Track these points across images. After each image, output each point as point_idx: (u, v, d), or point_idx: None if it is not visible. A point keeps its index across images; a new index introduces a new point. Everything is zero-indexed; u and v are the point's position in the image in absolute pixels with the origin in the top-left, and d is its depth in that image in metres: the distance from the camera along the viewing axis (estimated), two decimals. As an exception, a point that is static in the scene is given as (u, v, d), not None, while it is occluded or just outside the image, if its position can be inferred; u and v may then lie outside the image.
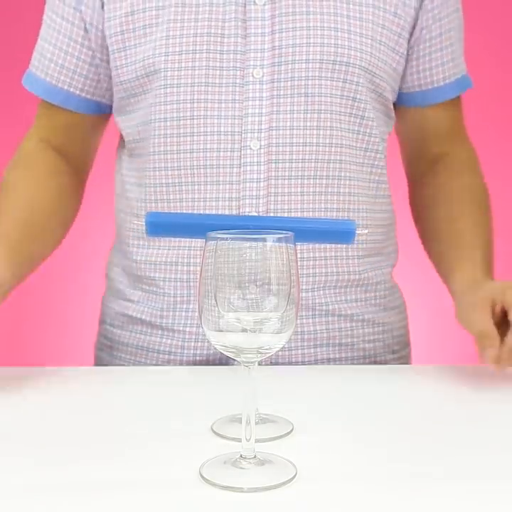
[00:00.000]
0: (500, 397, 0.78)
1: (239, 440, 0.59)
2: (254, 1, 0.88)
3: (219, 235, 0.54)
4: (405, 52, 0.95)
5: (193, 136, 0.89)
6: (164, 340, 0.93)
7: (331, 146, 0.89)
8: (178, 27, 0.88)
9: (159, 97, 0.89)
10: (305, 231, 0.67)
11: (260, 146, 0.87)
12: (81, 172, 1.02)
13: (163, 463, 0.60)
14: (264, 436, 0.65)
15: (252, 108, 0.87)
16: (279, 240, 0.55)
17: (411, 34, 0.95)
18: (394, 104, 0.98)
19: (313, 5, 0.88)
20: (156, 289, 0.93)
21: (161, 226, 0.67)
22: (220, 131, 0.88)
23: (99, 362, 1.02)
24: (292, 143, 0.88)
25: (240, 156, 0.88)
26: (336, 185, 0.90)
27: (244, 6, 0.88)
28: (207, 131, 0.88)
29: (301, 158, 0.88)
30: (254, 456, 0.58)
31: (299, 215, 0.89)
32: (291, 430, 0.67)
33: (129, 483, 0.56)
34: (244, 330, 0.54)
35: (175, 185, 0.91)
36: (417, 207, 1.05)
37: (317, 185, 0.89)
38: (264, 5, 0.88)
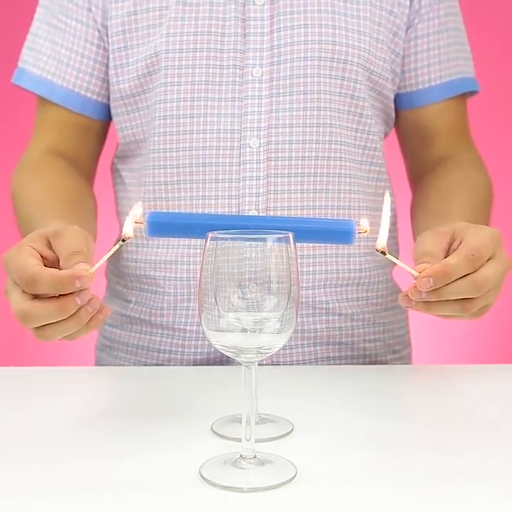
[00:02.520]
0: (501, 397, 0.78)
1: (239, 440, 0.59)
2: (254, 1, 0.88)
3: (219, 235, 0.54)
4: (401, 53, 0.95)
5: (193, 134, 0.89)
6: (164, 339, 0.93)
7: (331, 144, 0.90)
8: (178, 25, 0.89)
9: (160, 95, 0.89)
10: (305, 231, 0.67)
11: (259, 144, 0.88)
12: (89, 178, 1.01)
13: (163, 463, 0.60)
14: (264, 436, 0.65)
15: (251, 106, 0.88)
16: (279, 240, 0.54)
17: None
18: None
19: (311, 3, 0.89)
20: (156, 288, 0.93)
21: (162, 226, 0.67)
22: (220, 129, 0.89)
23: (99, 362, 1.02)
24: (292, 140, 0.88)
25: (240, 154, 0.88)
26: (336, 183, 0.90)
27: (244, 6, 0.89)
28: (206, 129, 0.89)
29: (300, 155, 0.89)
30: (254, 456, 0.58)
31: (298, 212, 0.89)
32: (291, 430, 0.67)
33: (129, 483, 0.56)
34: (244, 330, 0.54)
35: (173, 184, 0.91)
36: (414, 203, 1.01)
37: (317, 182, 0.89)
38: (263, 5, 0.88)
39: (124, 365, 0.97)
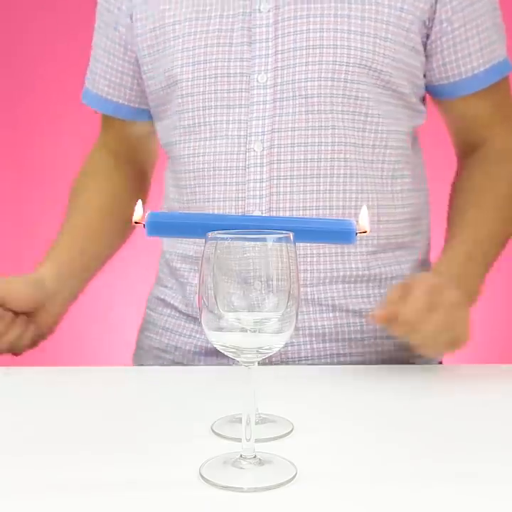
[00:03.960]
0: (501, 398, 0.78)
1: (239, 440, 0.59)
2: (260, 9, 0.91)
3: (219, 235, 0.54)
4: (420, 47, 0.95)
5: (205, 140, 0.95)
6: (187, 324, 0.99)
7: (334, 145, 0.91)
8: (191, 39, 0.94)
9: (179, 105, 0.96)
10: (305, 231, 0.67)
11: (263, 148, 0.91)
12: (143, 173, 1.12)
13: (163, 463, 0.60)
14: (264, 436, 0.65)
15: (256, 112, 0.91)
16: (279, 239, 0.54)
17: (430, 28, 0.95)
18: (430, 96, 1.00)
19: (315, 8, 0.90)
20: (182, 279, 1.00)
21: (161, 226, 0.67)
22: (228, 135, 0.93)
23: (138, 342, 1.08)
24: (293, 143, 0.91)
25: (245, 158, 0.92)
26: (341, 184, 0.92)
27: (250, 15, 0.91)
28: (217, 136, 0.94)
29: (302, 158, 0.91)
30: (254, 456, 0.58)
31: (301, 213, 0.91)
32: (291, 430, 0.67)
33: (129, 483, 0.56)
34: (244, 330, 0.54)
35: (190, 187, 0.97)
36: (452, 190, 1.06)
37: (320, 184, 0.91)
38: (269, 12, 0.91)
39: (151, 344, 1.04)
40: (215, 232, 0.55)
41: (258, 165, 0.91)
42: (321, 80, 0.90)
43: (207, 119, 0.94)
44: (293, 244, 0.55)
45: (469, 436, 0.66)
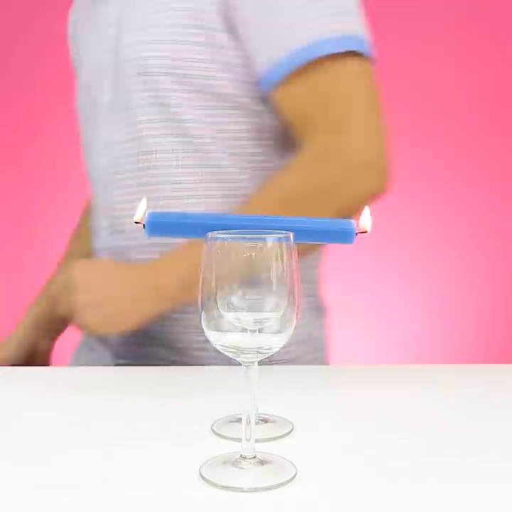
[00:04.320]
0: (500, 398, 0.78)
1: (239, 440, 0.59)
2: (107, 34, 1.01)
3: (219, 235, 0.54)
4: (231, 42, 0.90)
5: (86, 159, 1.08)
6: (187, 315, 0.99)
7: (143, 155, 0.96)
8: (81, 66, 1.07)
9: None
10: (305, 231, 0.67)
11: (104, 161, 1.00)
12: None
13: (163, 463, 0.60)
14: (264, 436, 0.65)
15: (100, 130, 1.01)
16: (279, 239, 0.55)
17: (227, 22, 0.90)
18: None
19: (120, 26, 0.98)
20: None
21: (161, 226, 0.67)
22: (91, 152, 1.04)
23: None
24: (121, 156, 0.98)
25: (95, 172, 1.03)
26: (167, 190, 0.95)
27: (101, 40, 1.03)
28: (87, 154, 1.06)
29: (129, 168, 0.97)
30: (254, 456, 0.58)
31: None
32: (291, 430, 0.67)
33: (129, 483, 0.56)
34: (244, 330, 0.54)
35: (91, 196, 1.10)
36: None
37: (150, 191, 0.95)
38: (113, 36, 1.00)
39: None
40: (215, 232, 0.55)
41: (101, 178, 1.00)
42: (128, 93, 0.96)
43: (84, 140, 1.06)
44: (293, 244, 0.55)
45: (470, 436, 0.66)
